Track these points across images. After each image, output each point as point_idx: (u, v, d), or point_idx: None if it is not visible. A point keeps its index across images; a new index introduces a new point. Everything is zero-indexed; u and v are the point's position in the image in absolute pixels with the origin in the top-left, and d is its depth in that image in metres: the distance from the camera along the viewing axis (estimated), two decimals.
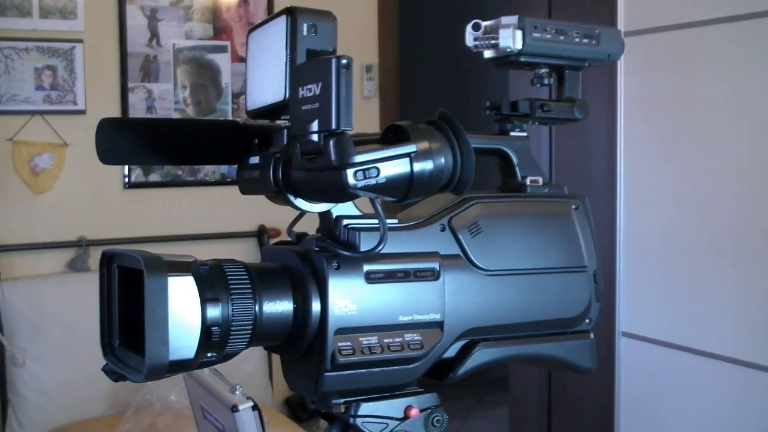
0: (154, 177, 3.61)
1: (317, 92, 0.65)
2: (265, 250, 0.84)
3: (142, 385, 2.77)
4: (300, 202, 0.75)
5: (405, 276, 0.78)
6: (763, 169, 2.23)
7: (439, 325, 0.79)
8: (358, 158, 0.67)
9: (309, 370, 0.77)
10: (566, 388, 2.96)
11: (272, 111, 0.76)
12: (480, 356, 0.83)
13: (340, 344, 0.75)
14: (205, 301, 0.70)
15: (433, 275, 0.79)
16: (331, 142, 0.65)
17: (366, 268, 0.76)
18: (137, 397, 2.78)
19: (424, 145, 0.70)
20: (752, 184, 2.26)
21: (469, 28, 0.86)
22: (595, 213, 0.90)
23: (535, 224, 0.87)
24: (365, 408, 0.79)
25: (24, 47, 3.33)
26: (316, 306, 0.75)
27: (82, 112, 3.41)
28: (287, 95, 0.72)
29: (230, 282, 0.73)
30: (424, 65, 5.43)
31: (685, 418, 2.47)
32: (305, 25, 0.71)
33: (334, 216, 0.78)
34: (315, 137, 0.66)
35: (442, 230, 0.81)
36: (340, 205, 0.78)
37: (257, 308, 0.74)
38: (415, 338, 0.78)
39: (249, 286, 0.74)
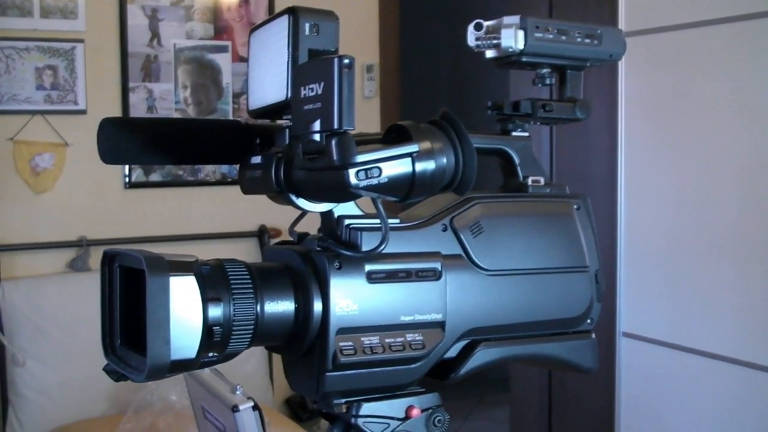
0: (154, 177, 3.61)
1: (319, 92, 0.65)
2: (267, 249, 0.84)
3: (143, 385, 2.77)
4: (302, 202, 0.75)
5: (407, 276, 0.78)
6: (763, 169, 2.23)
7: (440, 325, 0.79)
8: (360, 158, 0.67)
9: (310, 370, 0.77)
10: (567, 388, 2.96)
11: (274, 111, 0.76)
12: (481, 356, 0.83)
13: (341, 344, 0.75)
14: (206, 300, 0.70)
15: (435, 275, 0.79)
16: (333, 142, 0.65)
17: (368, 268, 0.76)
18: (137, 397, 2.78)
19: (426, 144, 0.70)
20: (753, 185, 2.26)
21: (471, 27, 0.86)
22: (596, 213, 0.90)
23: (537, 224, 0.87)
24: (367, 408, 0.79)
25: (25, 47, 3.33)
26: (317, 306, 0.75)
27: (82, 112, 3.42)
28: (289, 95, 0.72)
29: (232, 282, 0.73)
30: (425, 65, 5.43)
31: (685, 418, 2.47)
32: (307, 25, 0.71)
33: (335, 216, 0.78)
34: (317, 137, 0.66)
35: (444, 230, 0.81)
36: (341, 204, 0.78)
37: (259, 308, 0.74)
38: (417, 338, 0.78)
39: (251, 285, 0.74)
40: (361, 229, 0.77)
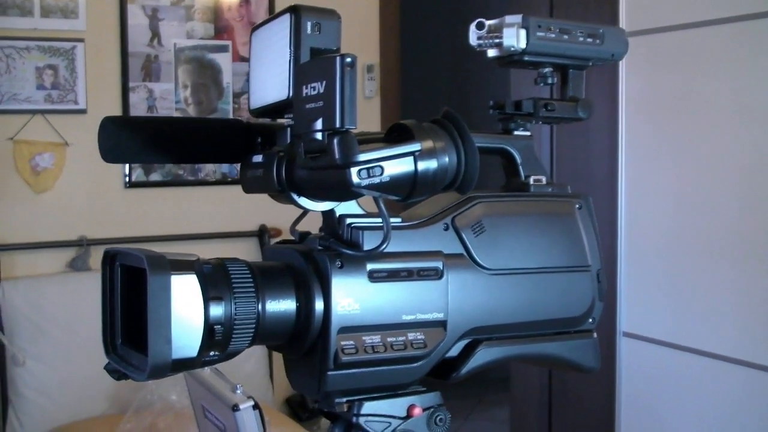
0: (154, 176, 3.61)
1: (321, 91, 0.65)
2: (268, 249, 0.84)
3: (143, 385, 2.77)
4: (303, 201, 0.75)
5: (408, 275, 0.78)
6: (764, 169, 2.23)
7: (442, 324, 0.79)
8: (362, 157, 0.66)
9: (312, 369, 0.77)
10: (567, 388, 2.96)
11: (276, 109, 0.76)
12: (483, 355, 0.82)
13: (343, 343, 0.74)
14: (208, 299, 0.70)
15: (437, 274, 0.79)
16: (335, 141, 0.65)
17: (369, 267, 0.76)
18: (138, 397, 2.78)
19: (428, 144, 0.70)
20: (754, 185, 2.26)
21: (472, 27, 0.86)
22: (597, 213, 0.90)
23: (539, 223, 0.87)
24: (368, 407, 0.79)
25: (25, 46, 3.32)
26: (319, 305, 0.75)
27: (83, 112, 3.41)
28: (291, 94, 0.72)
29: (233, 281, 0.73)
30: (426, 65, 5.43)
31: (685, 417, 2.47)
32: (309, 24, 0.71)
33: (337, 215, 0.78)
34: (319, 136, 0.66)
35: (446, 229, 0.81)
36: (343, 203, 0.78)
37: (260, 307, 0.74)
38: (418, 337, 0.78)
39: (252, 284, 0.74)
40: (363, 228, 0.77)
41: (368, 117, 3.92)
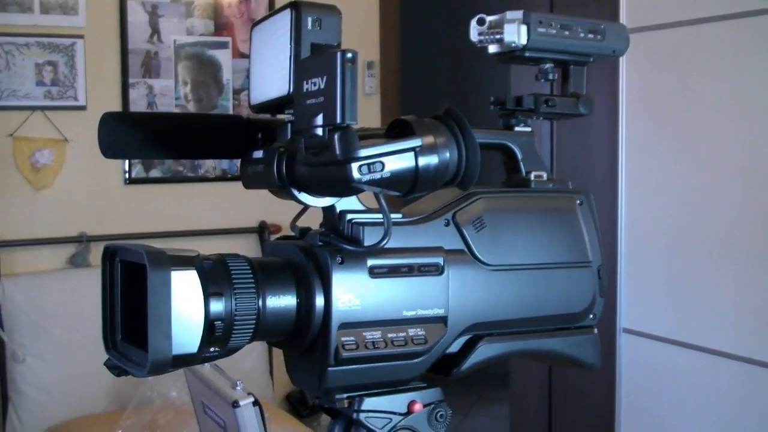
0: (154, 173, 3.61)
1: (322, 86, 0.65)
2: (269, 244, 0.84)
3: (142, 381, 2.77)
4: (304, 197, 0.75)
5: (409, 271, 0.77)
6: (764, 166, 2.22)
7: (442, 320, 0.79)
8: (363, 152, 0.66)
9: (312, 366, 0.77)
10: (567, 384, 2.96)
11: (276, 105, 0.76)
12: (484, 351, 0.82)
13: (343, 339, 0.74)
14: (208, 295, 0.70)
15: (437, 270, 0.79)
16: (336, 136, 0.65)
17: (370, 262, 0.76)
18: (137, 394, 2.78)
19: (429, 139, 0.70)
20: (754, 181, 2.25)
21: (473, 22, 0.86)
22: (597, 209, 0.90)
23: (540, 219, 0.86)
24: (368, 403, 0.79)
25: (25, 43, 3.32)
26: (319, 301, 0.74)
27: (82, 108, 3.41)
28: (291, 89, 0.72)
29: (233, 276, 0.73)
30: (426, 62, 5.43)
31: (686, 414, 2.47)
32: (310, 19, 0.71)
33: (337, 210, 0.78)
34: (320, 131, 0.66)
35: (447, 225, 0.81)
36: (343, 199, 0.78)
37: (260, 303, 0.74)
38: (419, 333, 0.78)
39: (252, 280, 0.74)
40: (364, 224, 0.77)
41: (368, 114, 3.92)
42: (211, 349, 0.72)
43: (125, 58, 3.51)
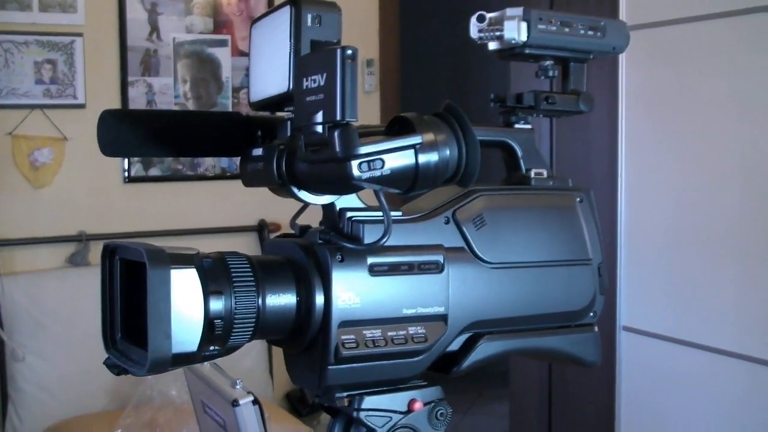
0: (154, 171, 3.60)
1: (322, 83, 0.64)
2: (269, 243, 0.84)
3: (142, 380, 2.77)
4: (304, 195, 0.75)
5: (409, 269, 0.77)
6: (764, 163, 2.22)
7: (443, 318, 0.79)
8: (363, 150, 0.66)
9: (312, 364, 0.76)
10: (567, 382, 2.96)
11: (276, 102, 0.76)
12: (484, 349, 0.82)
13: (343, 337, 0.74)
14: (208, 293, 0.70)
15: (437, 268, 0.79)
16: (336, 134, 0.65)
17: (370, 260, 0.75)
18: (137, 392, 2.78)
19: (429, 136, 0.70)
20: (754, 179, 2.25)
21: (473, 19, 0.85)
22: (596, 207, 0.90)
23: (540, 217, 0.86)
24: (369, 401, 0.79)
25: (23, 41, 3.32)
26: (319, 299, 0.74)
27: (81, 106, 3.41)
28: (291, 86, 0.71)
29: (233, 275, 0.73)
30: (425, 59, 5.42)
31: (686, 412, 2.47)
32: (309, 16, 0.71)
33: (337, 208, 0.78)
34: (319, 128, 0.65)
35: (447, 223, 0.81)
36: (343, 197, 0.77)
37: (260, 301, 0.74)
38: (419, 331, 0.78)
39: (252, 279, 0.74)
40: (364, 222, 0.76)
41: (367, 112, 3.91)
42: (211, 348, 0.72)
43: (124, 56, 3.51)
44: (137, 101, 3.53)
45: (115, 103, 3.48)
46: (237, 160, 0.82)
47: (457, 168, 0.71)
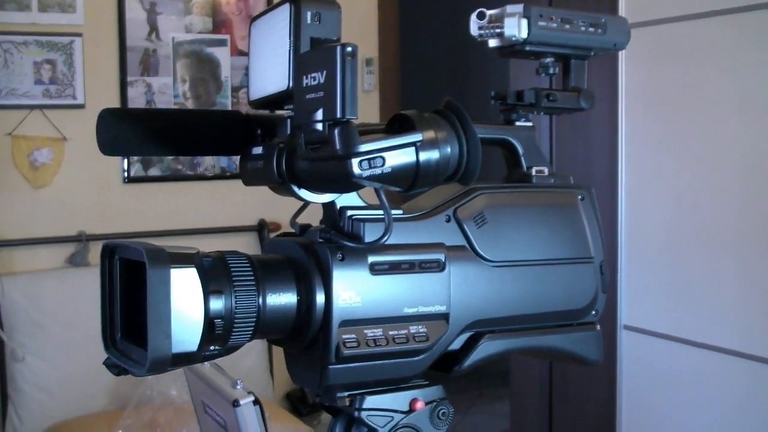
0: (153, 171, 3.60)
1: (322, 81, 0.64)
2: (269, 242, 0.83)
3: (143, 380, 2.77)
4: (304, 193, 0.74)
5: (410, 267, 0.77)
6: (765, 161, 2.22)
7: (444, 317, 0.78)
8: (363, 147, 0.66)
9: (313, 363, 0.76)
10: (567, 381, 2.96)
11: (276, 101, 0.75)
12: (486, 348, 0.82)
13: (344, 336, 0.74)
14: (208, 293, 0.70)
15: (439, 267, 0.78)
16: (336, 131, 0.64)
17: (371, 259, 0.75)
18: (138, 392, 2.78)
19: (429, 134, 0.69)
20: (755, 177, 2.25)
21: (473, 16, 0.85)
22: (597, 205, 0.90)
23: (541, 215, 0.86)
24: (370, 401, 0.79)
25: (23, 41, 3.31)
26: (320, 298, 0.74)
27: (81, 107, 3.41)
28: (291, 84, 0.71)
29: (233, 274, 0.72)
30: (425, 58, 5.42)
31: (686, 410, 2.47)
32: (309, 14, 0.70)
33: (338, 207, 0.77)
34: (319, 126, 0.65)
35: (448, 221, 0.81)
36: (344, 195, 0.77)
37: (261, 300, 0.73)
38: (421, 330, 0.77)
39: (252, 278, 0.73)
40: (364, 220, 0.76)
41: (367, 111, 3.91)
42: (211, 348, 0.71)
43: (123, 56, 3.50)
44: (136, 101, 3.53)
45: (115, 103, 3.47)
46: (237, 159, 0.81)
47: (458, 166, 0.71)
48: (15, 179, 3.34)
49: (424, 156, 0.69)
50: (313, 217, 0.82)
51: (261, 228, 3.73)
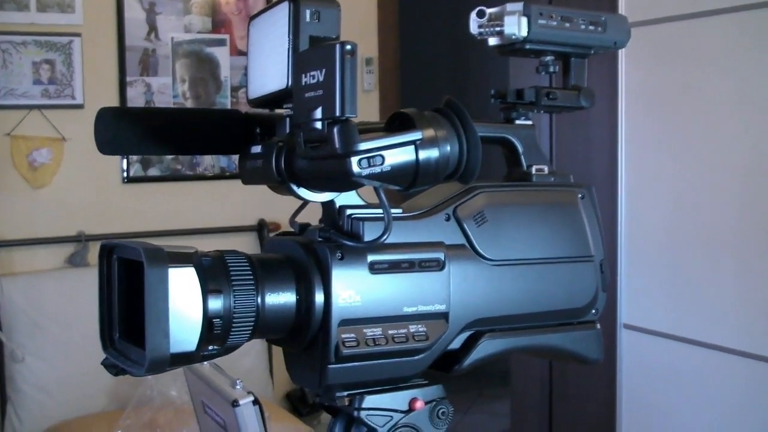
0: (153, 171, 3.60)
1: (321, 79, 0.64)
2: (268, 241, 0.83)
3: (142, 381, 2.77)
4: (303, 192, 0.74)
5: (409, 266, 0.77)
6: (765, 160, 2.22)
7: (444, 316, 0.78)
8: (363, 146, 0.65)
9: (313, 363, 0.76)
10: (567, 381, 2.96)
11: (275, 99, 0.75)
12: (486, 347, 0.82)
13: (344, 336, 0.74)
14: (206, 292, 0.69)
15: (438, 265, 0.78)
16: (335, 130, 0.64)
17: (370, 258, 0.75)
18: (137, 393, 2.77)
19: (429, 132, 0.69)
20: (754, 176, 2.25)
21: (473, 15, 0.85)
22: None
23: (541, 213, 0.86)
24: (369, 401, 0.78)
25: (21, 41, 3.31)
26: (319, 297, 0.74)
27: (80, 107, 3.40)
28: (290, 83, 0.71)
29: (232, 273, 0.72)
30: (424, 58, 5.42)
31: (686, 409, 2.47)
32: (308, 12, 0.70)
33: (337, 206, 0.77)
34: (319, 125, 0.65)
35: (447, 220, 0.80)
36: (343, 194, 0.77)
37: (260, 300, 0.73)
38: (420, 329, 0.77)
39: (251, 277, 0.73)
40: (364, 219, 0.76)
41: (367, 111, 3.90)
42: (210, 347, 0.71)
43: (123, 56, 3.50)
44: (136, 101, 3.53)
45: (114, 103, 3.47)
46: (236, 158, 0.81)
47: (458, 164, 0.70)
48: (14, 179, 3.33)
49: (423, 154, 0.68)
50: (312, 217, 0.82)
51: (261, 228, 3.73)
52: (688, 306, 2.44)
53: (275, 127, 0.77)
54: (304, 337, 0.75)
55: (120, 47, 3.49)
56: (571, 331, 0.87)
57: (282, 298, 0.74)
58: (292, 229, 0.82)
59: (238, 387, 1.32)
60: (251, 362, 3.50)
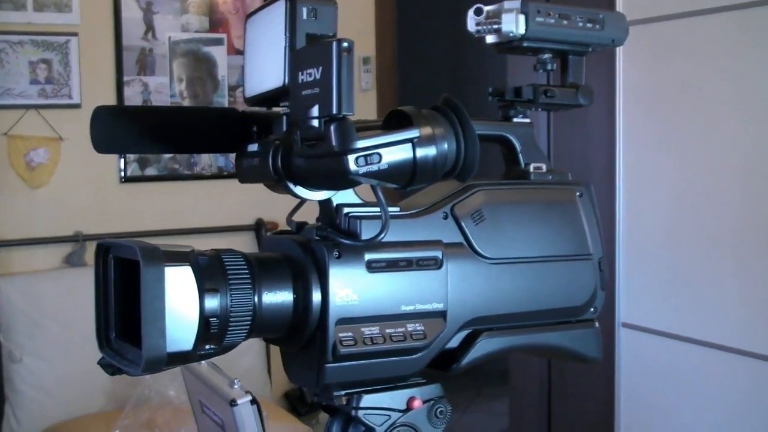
0: (150, 171, 3.59)
1: (318, 77, 0.64)
2: (265, 240, 0.83)
3: (140, 380, 2.76)
4: (300, 190, 0.74)
5: (407, 265, 0.76)
6: (765, 159, 2.22)
7: (442, 314, 0.78)
8: (360, 144, 0.65)
9: (310, 362, 0.76)
10: (566, 380, 2.96)
11: (271, 97, 0.75)
12: (484, 346, 0.81)
13: (341, 335, 0.73)
14: (203, 291, 0.69)
15: (436, 264, 0.78)
16: (332, 128, 0.64)
17: (367, 257, 0.75)
18: (135, 393, 2.77)
19: (427, 130, 0.69)
20: (754, 175, 2.25)
21: (471, 13, 0.85)
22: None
23: (540, 212, 0.85)
24: (367, 400, 0.78)
25: (18, 41, 3.31)
26: (316, 296, 0.73)
27: (77, 106, 3.40)
28: (287, 81, 0.70)
29: (229, 272, 0.72)
30: (422, 56, 5.41)
31: (686, 408, 2.47)
32: (305, 9, 0.70)
33: (334, 204, 0.77)
34: (315, 123, 0.64)
35: (445, 218, 0.80)
36: (340, 193, 0.76)
37: (256, 299, 0.73)
38: (418, 328, 0.77)
39: (248, 276, 0.73)
40: (361, 218, 0.75)
41: (364, 110, 3.90)
42: (207, 347, 0.71)
43: (120, 56, 3.49)
44: (133, 100, 3.52)
45: (111, 103, 3.46)
46: (233, 158, 0.81)
47: (456, 162, 0.70)
48: (11, 179, 3.33)
49: (421, 152, 0.68)
50: (309, 215, 0.82)
51: (258, 227, 3.73)
52: (687, 304, 2.44)
53: (272, 125, 0.77)
54: (301, 336, 0.75)
55: (117, 47, 3.49)
56: (569, 329, 0.87)
57: (279, 297, 0.74)
58: (289, 228, 0.82)
59: (236, 386, 1.32)
60: (249, 362, 3.50)
